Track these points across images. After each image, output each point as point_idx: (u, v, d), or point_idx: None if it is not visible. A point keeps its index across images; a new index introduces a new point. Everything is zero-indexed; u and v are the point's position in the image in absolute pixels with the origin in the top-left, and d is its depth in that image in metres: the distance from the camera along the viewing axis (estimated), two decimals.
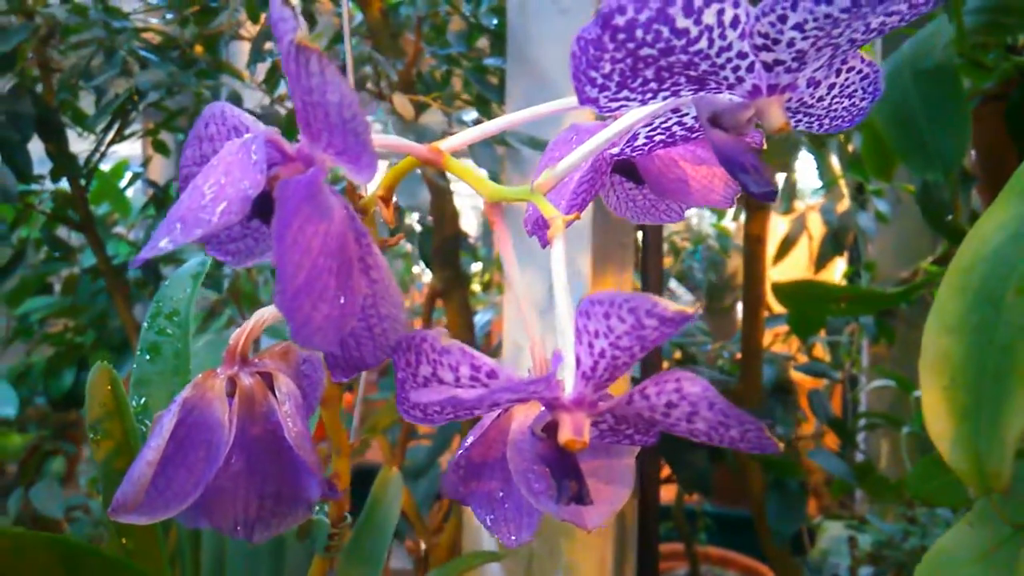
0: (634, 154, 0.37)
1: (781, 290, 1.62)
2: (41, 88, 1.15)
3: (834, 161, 1.82)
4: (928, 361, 0.75)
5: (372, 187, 0.37)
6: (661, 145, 0.37)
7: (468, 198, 2.15)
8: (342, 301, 0.27)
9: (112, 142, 1.26)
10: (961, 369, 0.74)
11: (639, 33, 0.28)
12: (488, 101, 1.19)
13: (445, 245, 1.21)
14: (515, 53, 1.16)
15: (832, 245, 2.17)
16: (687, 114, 0.35)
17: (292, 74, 0.27)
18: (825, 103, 0.35)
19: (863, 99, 0.35)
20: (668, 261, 2.66)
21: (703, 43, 0.29)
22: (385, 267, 0.30)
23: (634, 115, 0.34)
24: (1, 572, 0.41)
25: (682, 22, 0.28)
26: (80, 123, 1.17)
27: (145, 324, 0.60)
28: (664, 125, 0.36)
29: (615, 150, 0.38)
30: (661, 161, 0.40)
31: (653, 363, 1.19)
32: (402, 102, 1.08)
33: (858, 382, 2.08)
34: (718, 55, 0.30)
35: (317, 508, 0.48)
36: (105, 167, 2.08)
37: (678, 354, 1.74)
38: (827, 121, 0.36)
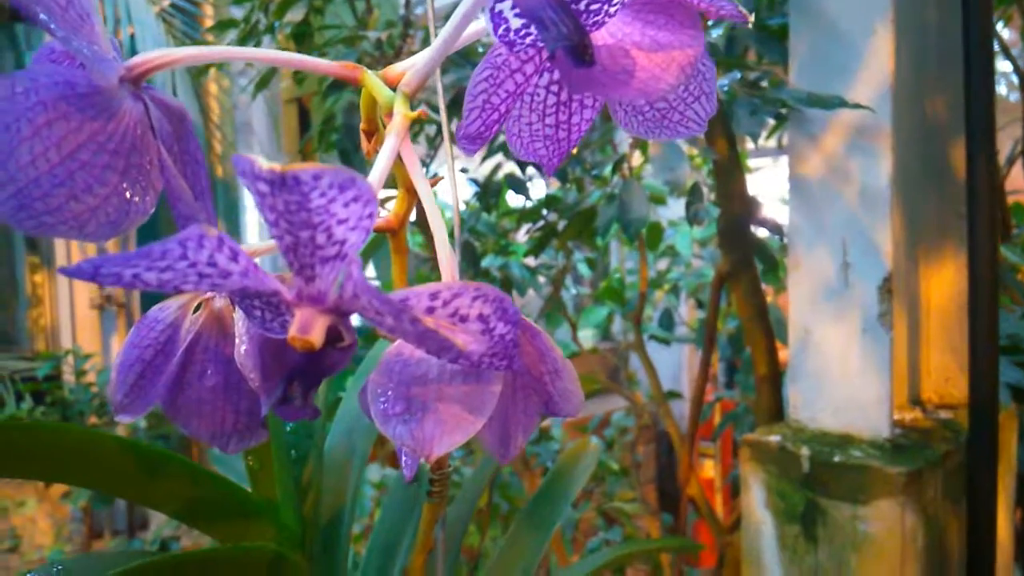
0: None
1: None
2: None
3: None
4: None
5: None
6: None
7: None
8: (128, 195, 0.29)
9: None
10: None
11: None
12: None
13: (732, 226, 1.13)
14: (799, 5, 1.04)
15: None
16: None
17: None
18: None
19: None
20: None
21: None
22: (170, 166, 0.31)
23: None
24: (71, 464, 0.48)
25: None
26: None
27: None
28: None
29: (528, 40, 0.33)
30: (608, 52, 0.34)
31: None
32: None
33: None
34: None
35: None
36: None
37: None
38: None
